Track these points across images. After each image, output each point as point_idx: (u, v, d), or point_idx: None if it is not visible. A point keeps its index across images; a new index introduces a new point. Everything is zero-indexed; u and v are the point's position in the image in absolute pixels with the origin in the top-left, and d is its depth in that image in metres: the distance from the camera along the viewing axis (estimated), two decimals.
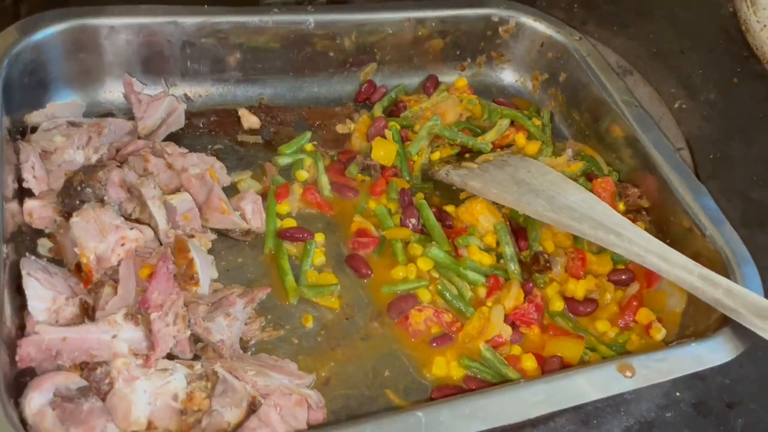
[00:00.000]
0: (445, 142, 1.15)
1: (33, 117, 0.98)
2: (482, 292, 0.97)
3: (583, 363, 0.90)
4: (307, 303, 0.94)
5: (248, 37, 1.13)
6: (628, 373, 0.79)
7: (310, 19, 1.13)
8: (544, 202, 0.96)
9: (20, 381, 0.74)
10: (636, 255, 0.89)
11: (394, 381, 0.88)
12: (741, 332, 0.85)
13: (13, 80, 0.95)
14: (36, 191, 0.91)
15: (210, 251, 0.95)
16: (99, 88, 1.08)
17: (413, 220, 1.01)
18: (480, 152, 1.13)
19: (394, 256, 0.99)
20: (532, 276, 0.99)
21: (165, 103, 1.05)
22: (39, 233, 0.91)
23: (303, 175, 1.08)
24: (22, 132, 0.98)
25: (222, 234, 0.98)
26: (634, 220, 1.01)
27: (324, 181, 1.07)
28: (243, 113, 1.13)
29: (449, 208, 1.05)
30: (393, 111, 1.20)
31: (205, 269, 0.87)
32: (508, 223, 1.02)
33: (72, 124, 0.98)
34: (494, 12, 1.25)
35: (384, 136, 1.11)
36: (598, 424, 0.87)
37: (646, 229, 1.00)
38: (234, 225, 0.96)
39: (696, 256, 0.94)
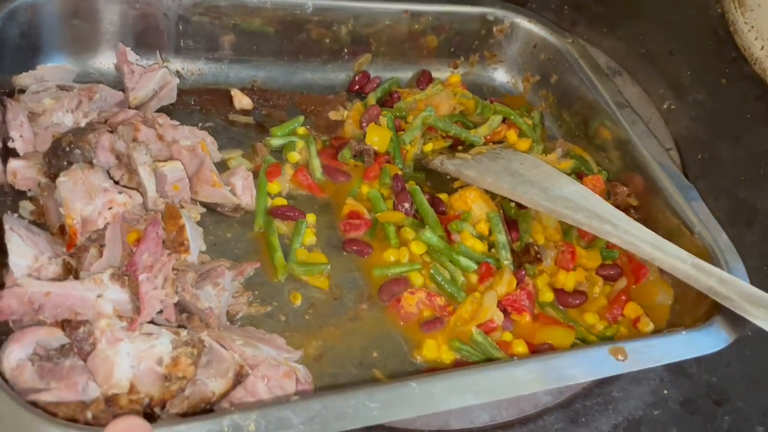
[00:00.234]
0: (438, 134, 1.15)
1: (22, 78, 0.95)
2: (474, 278, 0.96)
3: None
4: (296, 281, 0.92)
5: (244, 18, 1.12)
6: (620, 357, 0.79)
7: (309, 2, 1.13)
8: (539, 192, 0.97)
9: None
10: (631, 244, 0.89)
11: (382, 362, 0.86)
12: (731, 323, 0.85)
13: (6, 39, 0.93)
14: (21, 151, 0.88)
15: (198, 225, 0.93)
16: (90, 57, 1.05)
17: (406, 205, 1.01)
18: (472, 146, 1.14)
19: (387, 239, 0.98)
20: (522, 266, 0.98)
21: (158, 75, 1.03)
22: (21, 195, 0.88)
23: (294, 156, 1.06)
24: (8, 94, 0.95)
25: (211, 209, 0.96)
26: None
27: (316, 163, 1.06)
28: (236, 93, 1.12)
29: (442, 196, 1.05)
30: (386, 101, 1.19)
31: (195, 238, 0.85)
32: (501, 211, 1.02)
33: (62, 87, 0.95)
34: (490, 11, 1.26)
35: (378, 124, 1.11)
36: (586, 422, 0.87)
37: None
38: (224, 199, 0.94)
39: None
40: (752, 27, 1.14)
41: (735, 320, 0.86)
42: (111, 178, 0.88)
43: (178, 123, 0.99)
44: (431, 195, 1.05)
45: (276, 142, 1.07)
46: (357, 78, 1.21)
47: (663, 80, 1.19)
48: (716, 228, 0.98)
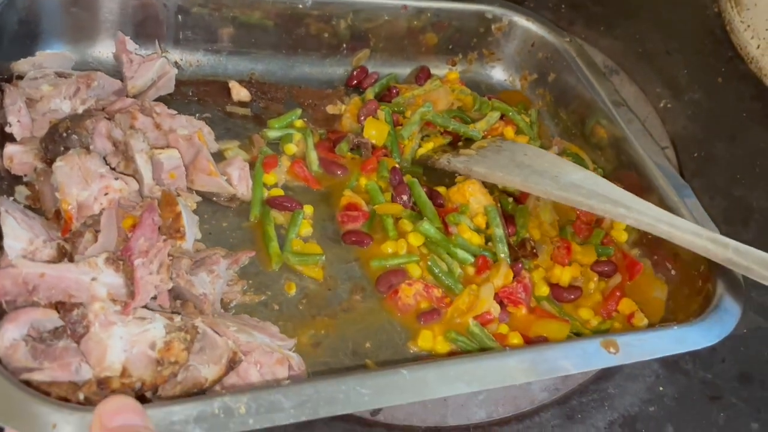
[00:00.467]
0: (436, 131, 1.16)
1: (20, 65, 0.96)
2: (471, 270, 0.96)
3: None
4: (291, 271, 0.92)
5: (243, 10, 1.12)
6: (612, 350, 0.79)
7: None
8: (550, 182, 0.97)
9: None
10: (647, 225, 0.89)
11: (375, 352, 0.87)
12: (723, 320, 0.86)
13: (5, 25, 0.93)
14: (18, 137, 0.88)
15: (194, 214, 0.93)
16: (89, 46, 1.06)
17: (405, 197, 1.01)
18: (470, 141, 1.14)
19: (384, 231, 0.99)
20: (518, 260, 0.99)
21: (157, 64, 1.03)
22: (17, 180, 0.88)
23: (291, 148, 1.07)
24: (6, 80, 0.95)
25: (207, 198, 0.96)
26: None
27: (312, 156, 1.06)
28: (233, 85, 1.12)
29: (440, 189, 1.05)
30: (384, 97, 1.20)
31: (191, 225, 0.85)
32: (499, 205, 1.03)
33: (60, 74, 0.95)
34: (488, 9, 1.26)
35: (376, 118, 1.11)
36: (582, 418, 0.87)
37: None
38: (220, 188, 0.94)
39: (678, 251, 0.95)
40: (748, 26, 1.14)
41: (728, 317, 0.87)
42: (107, 164, 0.88)
43: (176, 112, 0.99)
44: (429, 188, 1.05)
45: (273, 134, 1.08)
46: (355, 73, 1.22)
47: (660, 79, 1.20)
48: (711, 226, 0.98)
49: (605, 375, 0.91)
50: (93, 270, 0.73)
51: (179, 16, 1.09)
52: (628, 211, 0.91)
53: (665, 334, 0.83)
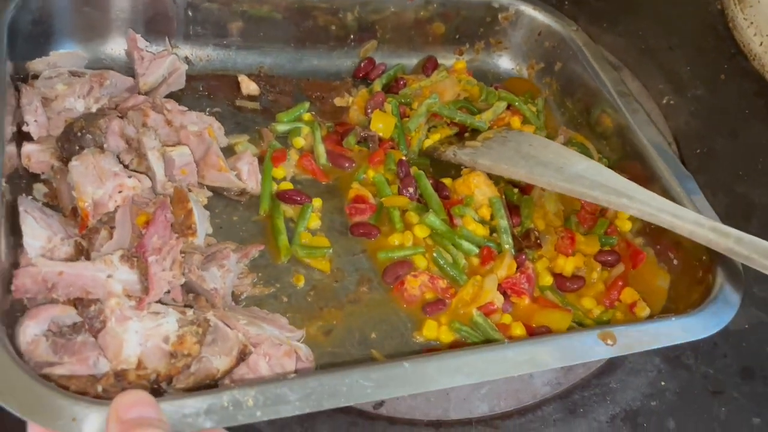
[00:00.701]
0: (443, 122, 1.17)
1: (35, 64, 0.98)
2: (475, 262, 0.99)
3: None
4: (299, 264, 0.95)
5: (252, 4, 1.14)
6: (609, 341, 0.81)
7: None
8: (554, 173, 0.98)
9: (11, 316, 0.74)
10: (649, 215, 0.91)
11: (380, 343, 0.89)
12: (722, 311, 0.87)
13: (20, 26, 0.96)
14: (35, 135, 0.91)
15: (205, 208, 0.96)
16: (101, 44, 1.08)
17: (411, 189, 1.03)
18: (477, 131, 1.15)
19: (391, 223, 1.01)
20: (523, 251, 1.01)
21: (167, 61, 1.05)
22: (35, 178, 0.91)
23: (300, 142, 1.09)
24: (22, 79, 0.98)
25: (217, 193, 0.99)
26: None
27: (320, 150, 1.08)
28: (242, 79, 1.14)
29: (446, 181, 1.07)
30: (392, 88, 1.21)
31: (202, 221, 0.88)
32: (503, 197, 1.05)
33: (74, 73, 0.98)
34: None
35: (383, 110, 1.13)
36: (584, 412, 0.88)
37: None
38: (230, 183, 0.97)
39: (680, 241, 0.97)
40: (751, 23, 1.14)
41: (726, 308, 0.88)
42: (121, 162, 0.91)
43: (186, 108, 1.01)
44: (435, 180, 1.07)
45: (282, 127, 1.10)
46: (362, 64, 1.23)
47: (662, 75, 1.21)
48: (712, 215, 0.99)
49: (607, 369, 0.92)
50: (108, 267, 0.76)
51: (189, 12, 1.11)
52: (631, 201, 0.93)
53: (663, 325, 0.85)
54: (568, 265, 1.01)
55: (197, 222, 0.86)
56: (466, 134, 1.17)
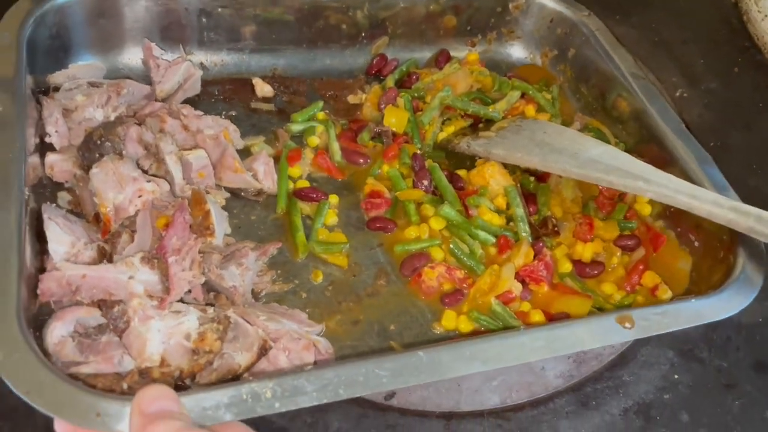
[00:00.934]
0: (457, 114, 1.18)
1: (55, 77, 1.02)
2: (492, 251, 0.99)
3: None
4: (317, 260, 0.96)
5: (264, 8, 1.16)
6: (627, 325, 0.80)
7: None
8: (569, 159, 0.98)
9: (38, 318, 0.77)
10: (666, 197, 0.90)
11: (399, 335, 0.90)
12: (743, 291, 0.86)
13: (38, 41, 0.99)
14: (57, 146, 0.94)
15: (223, 209, 0.98)
16: (118, 54, 1.11)
17: (425, 182, 1.04)
18: (491, 122, 1.16)
19: (407, 216, 1.02)
20: (540, 239, 1.01)
21: (182, 68, 1.08)
22: (59, 187, 0.94)
23: (314, 140, 1.10)
24: (43, 92, 1.01)
25: (235, 194, 1.01)
26: None
27: (335, 147, 1.10)
28: (257, 82, 1.16)
29: (461, 172, 1.08)
30: (405, 82, 1.22)
31: (220, 222, 0.90)
32: (519, 186, 1.05)
33: (92, 84, 1.01)
34: None
35: (395, 105, 1.14)
36: (597, 405, 0.88)
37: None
38: (246, 184, 0.99)
39: (700, 222, 0.95)
40: (766, 16, 1.13)
41: (746, 289, 0.87)
42: (140, 167, 0.94)
43: (202, 113, 1.04)
44: (450, 172, 1.08)
45: (296, 127, 1.12)
46: (375, 61, 1.24)
47: (676, 68, 1.19)
48: (732, 195, 0.98)
49: (620, 362, 0.92)
50: (130, 269, 0.79)
51: (202, 18, 1.13)
52: (647, 184, 0.92)
53: (682, 306, 0.84)
54: (586, 251, 1.01)
55: (215, 222, 0.88)
56: (481, 125, 1.17)
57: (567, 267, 1.00)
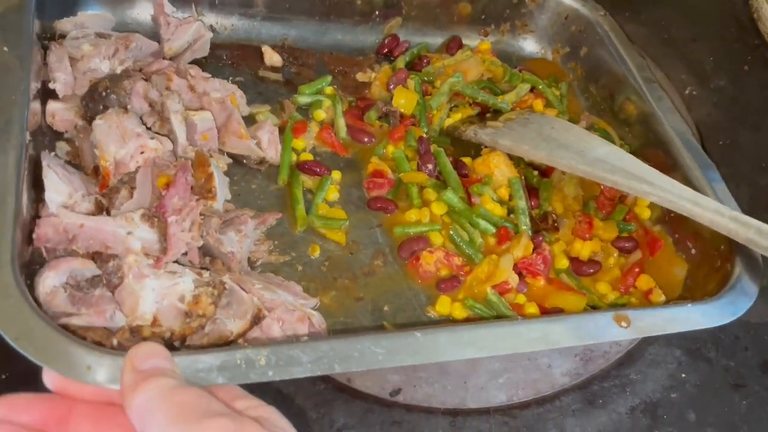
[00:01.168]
0: (465, 101, 1.17)
1: (63, 24, 0.99)
2: (492, 241, 0.98)
3: None
4: (315, 234, 0.95)
5: None
6: (624, 324, 0.80)
7: None
8: (575, 156, 0.97)
9: (30, 266, 0.75)
10: (669, 202, 0.90)
11: (392, 316, 0.89)
12: (739, 300, 0.86)
13: None
14: (61, 94, 0.92)
15: (224, 175, 0.96)
16: (128, 8, 1.08)
17: (430, 166, 1.03)
18: (499, 112, 1.15)
19: (408, 199, 1.01)
20: (540, 233, 1.00)
21: (193, 27, 1.06)
22: (58, 136, 0.92)
23: (321, 114, 1.09)
24: (48, 38, 0.98)
25: (237, 160, 0.99)
26: None
27: (341, 123, 1.08)
28: (266, 50, 1.14)
29: (466, 160, 1.07)
30: (415, 66, 1.21)
31: (222, 186, 0.89)
32: (523, 178, 1.04)
33: (100, 35, 0.98)
34: None
35: (405, 87, 1.13)
36: (603, 403, 0.88)
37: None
38: (249, 151, 0.97)
39: (699, 230, 0.96)
40: None
41: (744, 297, 0.87)
42: (144, 124, 0.92)
43: (210, 75, 1.02)
44: (455, 158, 1.07)
45: (303, 99, 1.10)
46: (386, 41, 1.23)
47: (685, 66, 1.19)
48: (733, 205, 0.98)
49: (627, 360, 0.92)
50: (129, 224, 0.77)
51: None
52: (651, 187, 0.92)
53: (679, 310, 0.84)
54: (584, 250, 1.01)
55: (217, 186, 0.86)
56: (488, 115, 1.16)
57: (564, 263, 1.00)
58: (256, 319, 0.79)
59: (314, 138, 1.06)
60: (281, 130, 1.04)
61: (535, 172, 1.09)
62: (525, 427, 0.84)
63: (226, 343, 0.77)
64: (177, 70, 0.99)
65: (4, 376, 0.75)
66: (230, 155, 0.99)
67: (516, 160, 1.07)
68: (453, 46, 1.26)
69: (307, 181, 1.00)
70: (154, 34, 1.07)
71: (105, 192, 0.84)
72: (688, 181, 1.01)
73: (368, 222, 0.99)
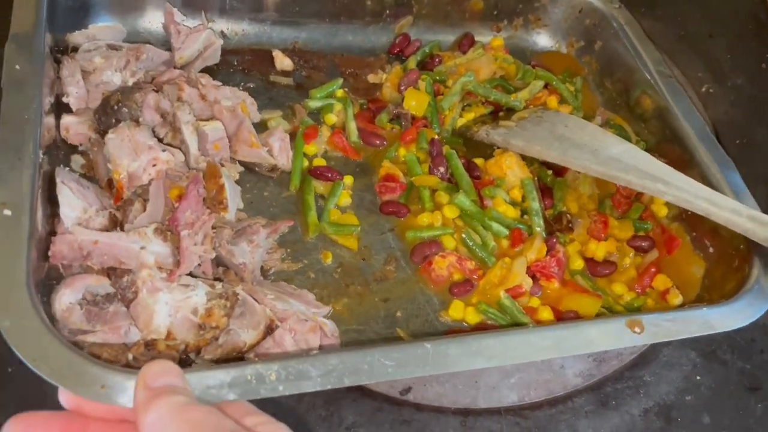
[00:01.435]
0: (478, 100, 1.16)
1: (75, 37, 1.00)
2: (505, 244, 0.98)
3: None
4: (327, 241, 0.96)
5: None
6: (637, 329, 0.80)
7: None
8: (589, 156, 0.96)
9: (46, 283, 0.76)
10: (685, 201, 0.89)
11: (406, 322, 0.90)
12: (755, 302, 0.85)
13: None
14: (74, 107, 0.93)
15: (236, 183, 0.97)
16: (139, 17, 1.09)
17: (442, 169, 1.02)
18: (512, 110, 1.14)
19: (420, 202, 1.01)
20: (554, 234, 1.00)
21: (203, 36, 1.06)
22: (73, 149, 0.93)
23: (332, 119, 1.09)
24: (61, 51, 1.00)
25: (249, 168, 1.00)
26: None
27: (352, 127, 1.08)
28: (277, 54, 1.14)
29: (478, 161, 1.06)
30: (427, 65, 1.20)
31: (233, 196, 0.89)
32: (536, 179, 1.03)
33: (111, 47, 0.99)
34: None
35: (417, 88, 1.12)
36: (617, 405, 0.87)
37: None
38: (261, 159, 0.98)
39: (717, 228, 0.94)
40: None
41: (760, 300, 0.86)
42: (156, 135, 0.93)
43: (220, 83, 1.02)
44: (467, 160, 1.06)
45: (314, 104, 1.10)
46: (398, 40, 1.22)
47: (702, 63, 1.16)
48: (752, 203, 0.97)
49: (641, 362, 0.91)
50: (143, 239, 0.78)
51: None
52: (666, 186, 0.90)
53: (693, 314, 0.84)
54: (599, 250, 1.00)
55: (229, 197, 0.87)
56: (501, 113, 1.15)
57: (579, 264, 0.99)
58: (269, 330, 0.80)
59: (326, 142, 1.06)
60: (292, 135, 1.04)
61: (549, 172, 1.08)
62: (537, 428, 0.83)
63: (240, 354, 0.78)
64: (188, 79, 1.00)
65: (10, 370, 0.76)
66: (242, 163, 0.99)
67: (529, 160, 1.06)
68: (465, 43, 1.24)
69: (318, 186, 1.00)
70: (165, 43, 1.08)
71: (119, 205, 0.86)
72: (704, 179, 1.00)
73: (380, 226, 0.99)
